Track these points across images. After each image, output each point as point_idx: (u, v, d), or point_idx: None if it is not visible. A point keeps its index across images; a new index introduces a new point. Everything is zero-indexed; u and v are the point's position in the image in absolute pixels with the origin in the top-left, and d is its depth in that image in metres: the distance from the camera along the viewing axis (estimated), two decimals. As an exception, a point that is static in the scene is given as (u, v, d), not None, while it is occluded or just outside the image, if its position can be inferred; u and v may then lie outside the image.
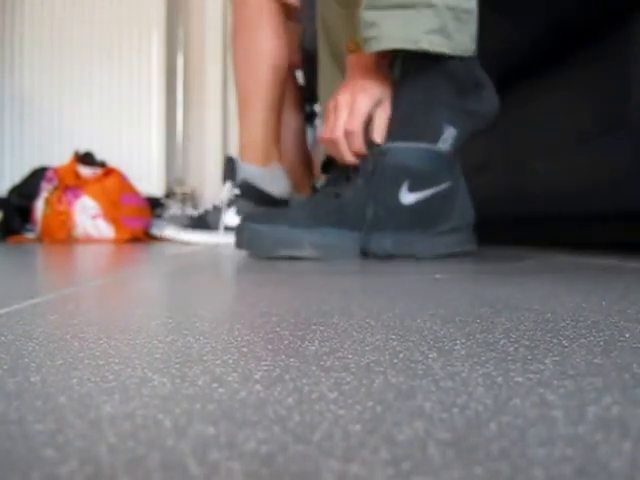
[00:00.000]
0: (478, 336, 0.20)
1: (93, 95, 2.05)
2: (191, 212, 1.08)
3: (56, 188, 1.63)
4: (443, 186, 0.69)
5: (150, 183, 2.00)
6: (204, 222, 1.10)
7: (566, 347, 0.18)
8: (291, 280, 0.42)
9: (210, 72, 2.16)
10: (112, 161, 1.80)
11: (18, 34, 2.05)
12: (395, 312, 0.26)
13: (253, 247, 0.65)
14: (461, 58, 0.66)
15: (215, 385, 0.14)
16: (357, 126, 0.68)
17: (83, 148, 1.80)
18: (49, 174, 1.66)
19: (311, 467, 0.09)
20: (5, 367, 0.16)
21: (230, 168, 1.00)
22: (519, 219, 0.99)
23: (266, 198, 1.02)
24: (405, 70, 0.69)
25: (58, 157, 1.90)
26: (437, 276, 0.45)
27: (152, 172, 2.05)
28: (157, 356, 0.18)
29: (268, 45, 1.00)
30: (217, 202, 1.09)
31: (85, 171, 1.67)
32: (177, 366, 0.16)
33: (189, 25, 2.19)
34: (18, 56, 2.05)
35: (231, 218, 1.02)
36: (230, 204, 1.03)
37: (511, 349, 0.18)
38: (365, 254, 0.67)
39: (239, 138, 1.03)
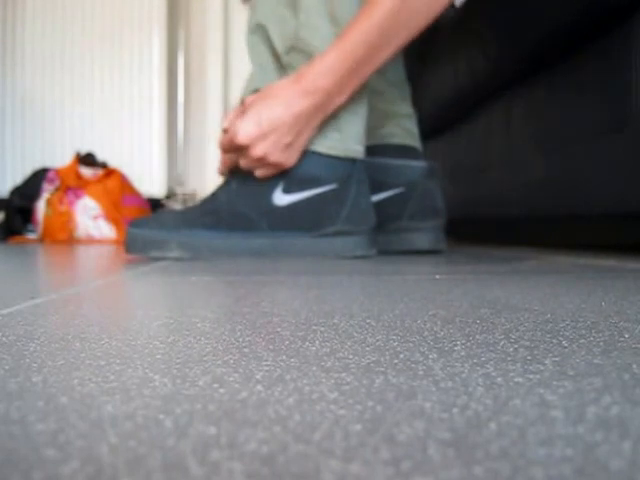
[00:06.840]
0: (478, 337, 0.20)
1: (94, 96, 2.05)
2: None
3: (57, 189, 1.63)
4: (324, 189, 0.69)
5: (151, 184, 2.00)
6: None
7: (566, 347, 0.18)
8: (291, 280, 0.42)
9: (211, 73, 2.16)
10: (113, 162, 1.80)
11: (19, 35, 2.05)
12: (395, 313, 0.26)
13: (129, 248, 0.68)
14: None
15: (216, 385, 0.14)
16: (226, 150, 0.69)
17: (84, 149, 1.80)
18: (50, 175, 1.66)
19: (311, 467, 0.09)
20: (7, 367, 0.16)
21: None
22: (519, 220, 0.99)
23: None
24: None
25: (59, 158, 1.90)
26: (437, 276, 0.45)
27: (153, 173, 2.04)
28: (158, 356, 0.18)
29: None
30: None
31: (86, 172, 1.67)
32: (178, 366, 0.16)
33: (190, 26, 2.19)
34: (19, 57, 2.05)
35: None
36: None
37: (511, 350, 0.18)
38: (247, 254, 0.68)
39: None
